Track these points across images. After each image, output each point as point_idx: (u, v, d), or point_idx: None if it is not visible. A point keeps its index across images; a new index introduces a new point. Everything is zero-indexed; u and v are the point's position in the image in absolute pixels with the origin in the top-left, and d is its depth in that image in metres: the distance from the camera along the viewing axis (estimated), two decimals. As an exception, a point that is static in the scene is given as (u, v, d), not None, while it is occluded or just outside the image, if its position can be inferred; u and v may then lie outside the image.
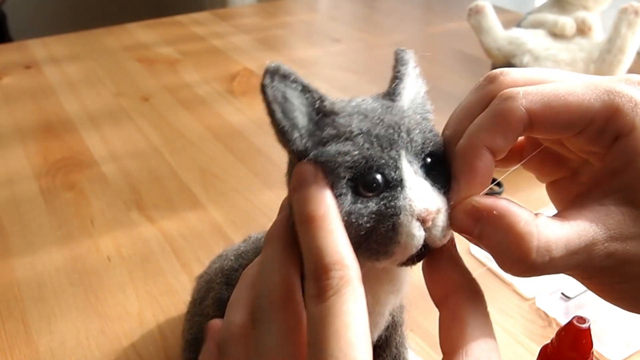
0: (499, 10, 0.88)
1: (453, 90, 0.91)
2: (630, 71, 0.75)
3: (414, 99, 0.33)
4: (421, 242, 0.27)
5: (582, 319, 0.32)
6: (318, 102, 0.29)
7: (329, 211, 0.26)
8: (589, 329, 0.32)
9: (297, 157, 0.29)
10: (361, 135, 0.29)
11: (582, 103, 0.26)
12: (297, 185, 0.27)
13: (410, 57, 0.33)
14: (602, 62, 0.74)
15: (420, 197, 0.28)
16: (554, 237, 0.25)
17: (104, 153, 0.74)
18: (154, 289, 0.52)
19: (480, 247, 0.27)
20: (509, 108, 0.27)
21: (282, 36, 1.18)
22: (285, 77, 0.29)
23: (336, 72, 0.99)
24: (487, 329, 0.27)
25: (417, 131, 0.30)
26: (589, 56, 0.76)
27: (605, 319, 0.48)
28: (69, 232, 0.60)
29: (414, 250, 0.28)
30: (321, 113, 0.30)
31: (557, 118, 0.27)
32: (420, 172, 0.29)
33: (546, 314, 0.49)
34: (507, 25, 0.84)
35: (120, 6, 2.30)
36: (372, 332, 0.34)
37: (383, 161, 0.28)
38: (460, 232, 0.28)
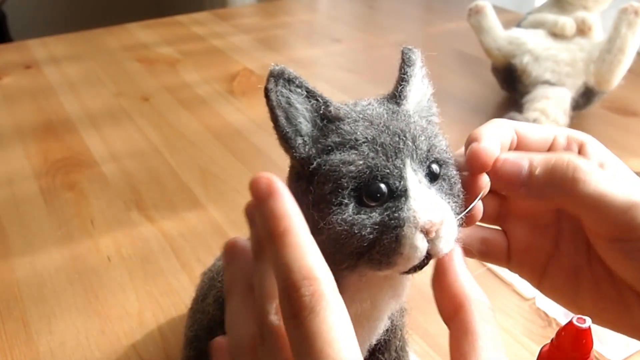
0: (499, 10, 0.88)
1: (453, 91, 0.91)
2: (631, 71, 0.75)
3: (419, 102, 0.32)
4: (424, 253, 0.27)
5: (582, 319, 0.32)
6: (323, 107, 0.29)
7: (291, 225, 0.25)
8: (589, 329, 0.32)
9: (299, 164, 0.29)
10: (366, 143, 0.28)
11: (547, 128, 0.34)
12: (255, 203, 0.26)
13: (418, 57, 0.33)
14: (602, 62, 0.74)
15: (424, 208, 0.27)
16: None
17: (104, 153, 0.74)
18: (154, 289, 0.52)
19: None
20: (501, 120, 0.33)
21: (282, 36, 1.18)
22: (289, 81, 0.28)
23: (336, 72, 0.99)
24: (497, 341, 0.27)
25: (423, 138, 0.29)
26: (589, 56, 0.76)
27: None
28: (69, 232, 0.60)
29: (416, 262, 0.27)
30: (326, 119, 0.29)
31: (533, 133, 0.33)
32: (424, 180, 0.29)
33: (546, 314, 0.49)
34: (507, 25, 0.84)
35: (120, 6, 2.30)
36: (370, 336, 0.34)
37: (387, 171, 0.28)
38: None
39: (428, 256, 0.28)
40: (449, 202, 0.29)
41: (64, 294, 0.52)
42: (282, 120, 0.28)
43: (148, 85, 0.93)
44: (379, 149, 0.28)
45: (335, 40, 1.13)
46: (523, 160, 0.31)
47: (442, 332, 0.47)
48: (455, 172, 0.31)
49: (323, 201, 0.28)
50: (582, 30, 0.79)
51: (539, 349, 0.35)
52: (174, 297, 0.51)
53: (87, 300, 0.51)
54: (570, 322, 0.32)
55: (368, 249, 0.27)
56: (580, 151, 0.33)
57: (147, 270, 0.54)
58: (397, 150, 0.28)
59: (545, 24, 0.81)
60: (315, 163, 0.28)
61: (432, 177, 0.29)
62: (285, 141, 0.28)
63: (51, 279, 0.53)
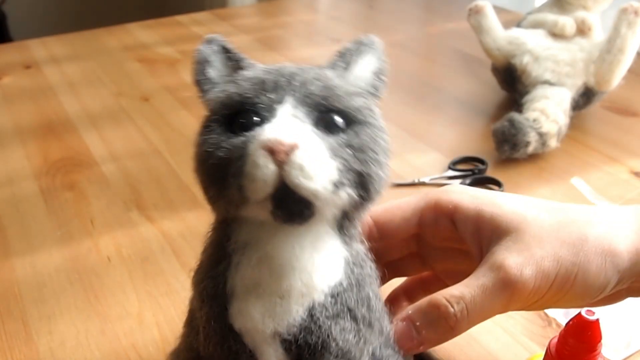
0: (499, 10, 0.88)
1: (453, 91, 0.91)
2: (631, 71, 0.75)
3: (358, 75, 0.33)
4: (270, 176, 0.25)
5: (590, 312, 0.32)
6: (236, 62, 0.33)
7: None
8: (597, 321, 0.31)
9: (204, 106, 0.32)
10: (247, 80, 0.30)
11: (410, 203, 0.38)
12: None
13: (371, 42, 0.34)
14: (602, 62, 0.74)
15: (275, 128, 0.26)
16: (455, 289, 0.33)
17: (104, 153, 0.74)
18: (154, 289, 0.52)
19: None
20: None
21: (282, 36, 1.18)
22: (210, 41, 0.33)
23: (336, 72, 0.99)
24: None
25: (320, 84, 0.29)
26: (589, 56, 0.76)
27: (605, 319, 0.47)
28: (69, 232, 0.60)
29: (262, 185, 0.26)
30: (237, 71, 0.32)
31: (392, 220, 0.38)
32: (302, 117, 0.27)
33: (546, 314, 0.49)
34: (507, 25, 0.84)
35: (120, 6, 2.30)
36: (273, 319, 0.29)
37: (258, 101, 0.28)
38: (409, 349, 0.33)
39: (288, 190, 0.26)
40: (334, 146, 0.27)
41: (64, 294, 0.52)
42: (197, 70, 0.32)
43: (148, 85, 0.93)
44: (258, 83, 0.29)
45: (335, 40, 1.13)
46: (409, 328, 0.33)
47: (442, 332, 0.47)
48: (370, 132, 0.29)
49: (200, 128, 0.30)
50: (582, 30, 0.79)
51: (541, 346, 0.35)
52: (174, 297, 0.51)
53: (87, 300, 0.51)
54: (578, 314, 0.32)
55: (225, 171, 0.27)
56: (441, 207, 0.37)
57: (147, 270, 0.54)
58: (276, 86, 0.28)
59: (545, 24, 0.81)
60: (203, 95, 0.31)
61: (330, 127, 0.28)
62: (198, 88, 0.32)
63: (51, 279, 0.53)
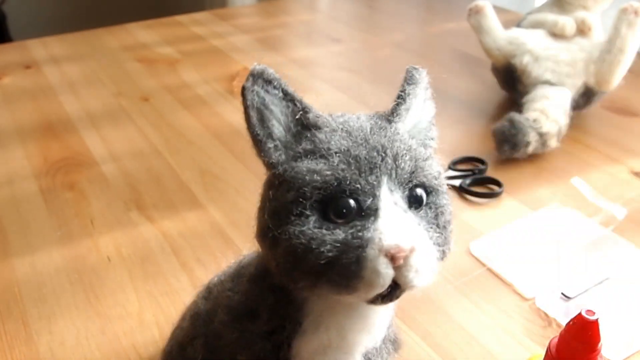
0: (499, 10, 0.88)
1: (453, 91, 0.91)
2: (631, 71, 0.75)
3: (417, 123, 0.31)
4: (388, 281, 0.25)
5: (590, 312, 0.32)
6: (300, 113, 0.28)
7: None
8: (596, 322, 0.31)
9: (268, 169, 0.28)
10: (339, 154, 0.26)
11: None
12: None
13: (422, 77, 0.31)
14: (602, 62, 0.74)
15: (393, 230, 0.25)
16: None
17: (104, 153, 0.74)
18: (154, 289, 0.52)
19: None
20: None
21: (282, 36, 1.18)
22: (268, 82, 0.27)
23: (336, 72, 0.99)
24: None
25: (407, 158, 0.27)
26: (589, 56, 0.76)
27: (606, 319, 0.48)
28: (69, 232, 0.60)
29: (379, 289, 0.25)
30: (302, 125, 0.28)
31: None
32: (401, 203, 0.26)
33: (546, 314, 0.49)
34: (507, 25, 0.84)
35: (120, 6, 2.30)
36: None
37: (358, 186, 0.25)
38: None
39: (396, 286, 0.25)
40: (430, 233, 0.27)
41: (64, 294, 0.52)
42: (255, 121, 0.28)
43: (148, 85, 0.93)
44: (352, 161, 0.26)
45: (335, 40, 1.13)
46: None
47: (442, 332, 0.47)
48: (445, 201, 0.28)
49: (284, 210, 0.26)
50: (582, 30, 0.79)
51: (543, 345, 0.35)
52: (174, 297, 0.51)
53: (87, 300, 0.51)
54: (579, 314, 0.32)
55: (327, 269, 0.25)
56: None
57: (147, 270, 0.54)
58: (372, 166, 0.26)
59: (545, 24, 0.81)
60: (281, 169, 0.27)
61: (415, 202, 0.27)
62: (256, 144, 0.28)
63: (51, 279, 0.53)
